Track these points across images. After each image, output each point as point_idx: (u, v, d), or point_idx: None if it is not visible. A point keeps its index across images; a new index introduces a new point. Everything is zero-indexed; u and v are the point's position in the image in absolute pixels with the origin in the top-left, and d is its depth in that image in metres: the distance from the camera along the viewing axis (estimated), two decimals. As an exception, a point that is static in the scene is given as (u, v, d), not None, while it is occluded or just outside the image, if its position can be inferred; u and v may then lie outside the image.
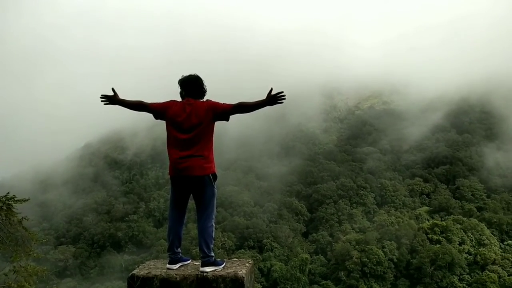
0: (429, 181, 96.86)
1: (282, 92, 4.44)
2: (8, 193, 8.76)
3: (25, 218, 9.23)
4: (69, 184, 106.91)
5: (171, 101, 4.71)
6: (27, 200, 9.57)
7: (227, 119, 4.62)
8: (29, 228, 9.60)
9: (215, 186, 4.67)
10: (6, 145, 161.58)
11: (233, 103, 4.58)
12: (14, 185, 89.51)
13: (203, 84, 4.76)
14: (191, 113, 4.50)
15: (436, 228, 72.62)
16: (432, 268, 65.20)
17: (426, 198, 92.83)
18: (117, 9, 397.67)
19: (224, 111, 4.54)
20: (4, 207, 8.25)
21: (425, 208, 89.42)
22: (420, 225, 76.89)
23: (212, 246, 4.56)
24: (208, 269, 4.36)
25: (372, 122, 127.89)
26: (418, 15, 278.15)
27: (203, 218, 4.63)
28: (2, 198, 8.35)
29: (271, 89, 4.42)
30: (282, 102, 4.47)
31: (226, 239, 74.92)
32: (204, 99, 4.73)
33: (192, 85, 4.70)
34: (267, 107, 4.55)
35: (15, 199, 8.66)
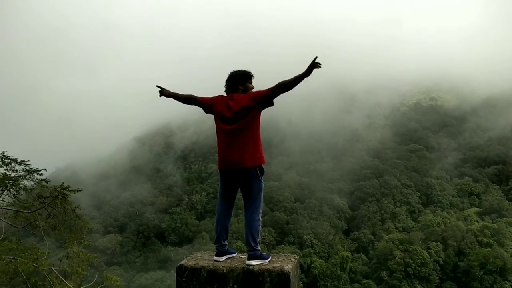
0: (479, 181, 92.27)
1: (316, 57, 4.32)
2: (63, 183, 9.23)
3: (78, 207, 9.70)
4: (118, 176, 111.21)
5: (219, 96, 4.81)
6: (80, 190, 10.03)
7: (271, 104, 4.60)
8: (81, 216, 10.09)
9: (262, 180, 4.67)
10: (66, 136, 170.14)
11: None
12: (67, 175, 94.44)
13: (240, 81, 4.72)
14: (234, 106, 4.55)
15: (486, 231, 69.14)
16: (482, 272, 62.18)
17: (476, 199, 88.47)
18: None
19: (265, 96, 4.53)
20: (60, 196, 8.69)
21: (475, 209, 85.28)
22: (469, 226, 73.46)
23: (258, 239, 4.58)
24: (254, 262, 4.38)
25: (418, 119, 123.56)
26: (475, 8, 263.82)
27: (250, 212, 4.65)
28: (57, 188, 8.80)
29: (315, 58, 4.33)
30: (319, 67, 4.32)
31: (266, 234, 75.29)
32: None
33: (229, 82, 4.74)
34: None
35: (69, 189, 9.10)
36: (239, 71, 4.79)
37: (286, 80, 4.44)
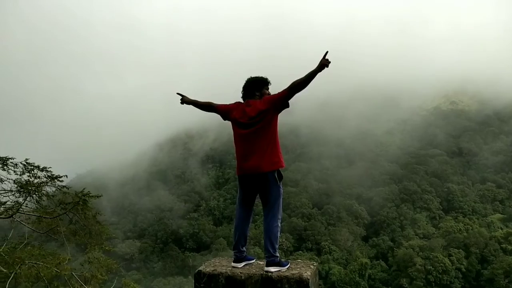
0: (503, 187, 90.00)
1: (327, 52, 4.29)
2: (84, 189, 9.37)
3: (98, 213, 9.83)
4: (137, 181, 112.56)
5: (236, 102, 4.84)
6: (100, 196, 10.17)
7: (287, 105, 4.57)
8: (101, 222, 10.22)
9: (280, 185, 4.65)
10: (88, 141, 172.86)
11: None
12: (88, 181, 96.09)
13: (256, 87, 4.72)
14: (250, 111, 4.56)
15: (511, 238, 67.28)
16: (507, 281, 60.38)
17: (500, 205, 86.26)
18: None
19: (280, 98, 4.50)
20: (81, 202, 8.83)
21: (498, 215, 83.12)
22: (493, 233, 71.60)
23: (277, 246, 4.53)
24: (272, 269, 4.34)
25: (438, 124, 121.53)
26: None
27: (269, 217, 4.61)
28: (78, 194, 8.95)
29: (326, 52, 4.30)
30: (328, 66, 4.27)
31: (284, 240, 74.90)
32: None
33: (246, 88, 4.76)
34: None
35: (90, 195, 9.24)
36: (256, 77, 4.80)
37: (299, 79, 4.40)
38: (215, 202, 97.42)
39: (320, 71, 4.30)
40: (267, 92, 4.77)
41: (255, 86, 4.74)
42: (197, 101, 5.01)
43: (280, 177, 4.62)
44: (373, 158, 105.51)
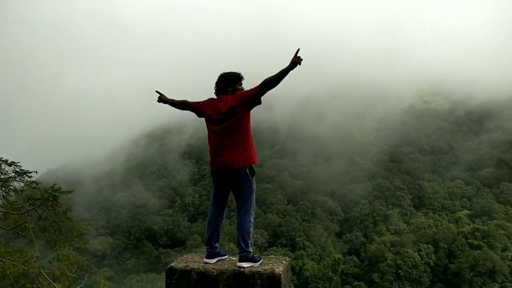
0: (471, 184, 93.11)
1: (298, 49, 4.35)
2: (54, 184, 9.14)
3: (69, 209, 9.61)
4: (110, 177, 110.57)
5: (209, 99, 4.82)
6: (71, 192, 9.94)
7: (259, 102, 4.57)
8: (71, 219, 9.99)
9: (253, 180, 4.63)
10: (62, 136, 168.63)
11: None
12: (59, 177, 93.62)
13: (229, 82, 4.70)
14: (222, 107, 4.56)
15: (477, 233, 69.67)
16: (472, 274, 62.63)
17: (467, 202, 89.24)
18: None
19: (252, 95, 4.50)
20: (51, 198, 8.61)
21: (466, 212, 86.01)
22: (460, 229, 74.00)
23: (250, 241, 4.53)
24: (245, 264, 4.36)
25: (411, 122, 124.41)
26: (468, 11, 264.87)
27: (241, 213, 4.62)
28: (48, 189, 8.72)
29: (298, 50, 4.34)
30: (300, 64, 4.32)
31: (259, 236, 75.24)
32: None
33: (218, 83, 4.75)
34: None
35: (60, 190, 9.01)
36: (228, 72, 4.78)
37: (271, 76, 4.41)
38: (190, 198, 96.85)
39: (292, 68, 4.33)
40: (240, 87, 4.75)
41: (228, 81, 4.71)
42: (173, 100, 5.02)
43: (252, 172, 4.61)
44: (348, 156, 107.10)
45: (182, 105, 4.98)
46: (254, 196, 4.66)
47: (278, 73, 4.36)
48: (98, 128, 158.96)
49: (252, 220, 4.64)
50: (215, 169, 4.67)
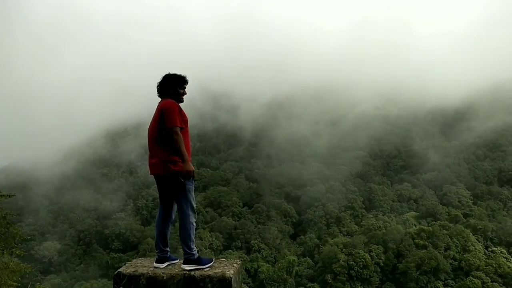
0: (417, 187, 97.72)
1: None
2: (-8, 187, 8.58)
3: (9, 214, 9.07)
4: (58, 180, 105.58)
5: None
6: (13, 195, 9.39)
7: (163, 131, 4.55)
8: (13, 224, 9.44)
9: (187, 183, 4.54)
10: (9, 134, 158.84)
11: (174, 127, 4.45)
12: (0, 179, 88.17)
13: (166, 85, 4.69)
14: (155, 112, 4.62)
15: (422, 233, 73.19)
16: (418, 273, 65.67)
17: (414, 204, 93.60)
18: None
19: (163, 124, 4.47)
20: (-12, 201, 8.08)
21: (413, 213, 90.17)
22: (407, 230, 77.48)
23: (191, 243, 4.49)
24: (188, 267, 4.33)
25: (363, 127, 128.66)
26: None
27: (180, 216, 4.61)
28: (-14, 192, 8.19)
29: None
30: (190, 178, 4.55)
31: (213, 239, 74.71)
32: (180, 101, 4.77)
33: (161, 84, 4.74)
34: None
35: (0, 194, 8.50)
36: (173, 74, 4.76)
37: (178, 145, 4.39)
38: (144, 201, 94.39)
39: (184, 169, 4.43)
40: (182, 91, 4.74)
41: (170, 83, 4.70)
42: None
43: (184, 175, 4.50)
44: (302, 159, 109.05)
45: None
46: (189, 198, 4.57)
47: (180, 150, 4.40)
48: (49, 127, 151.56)
49: (193, 221, 4.58)
50: (151, 174, 4.77)
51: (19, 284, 9.65)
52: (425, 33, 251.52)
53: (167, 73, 4.77)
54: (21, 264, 9.70)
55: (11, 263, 9.07)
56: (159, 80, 4.74)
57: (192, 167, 4.47)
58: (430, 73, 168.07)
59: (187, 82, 4.78)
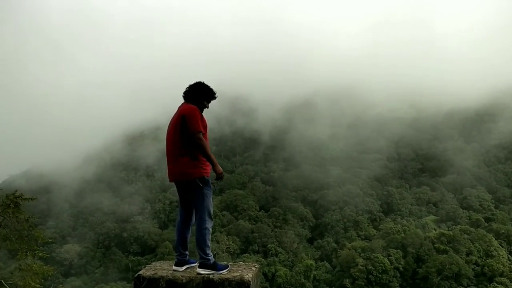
0: (436, 190, 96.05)
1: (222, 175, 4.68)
2: (16, 191, 8.81)
3: (32, 217, 9.27)
4: (78, 184, 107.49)
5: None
6: (35, 198, 9.59)
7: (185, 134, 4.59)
8: (35, 227, 9.64)
9: (205, 189, 4.60)
10: (29, 140, 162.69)
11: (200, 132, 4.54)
12: (21, 183, 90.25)
13: (195, 92, 4.73)
14: (175, 116, 4.68)
15: (443, 238, 71.89)
16: (439, 278, 64.47)
17: (433, 207, 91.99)
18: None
19: (185, 130, 4.52)
20: (12, 205, 8.30)
21: (432, 217, 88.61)
22: (427, 234, 76.14)
23: (206, 249, 4.53)
24: (202, 271, 4.38)
25: (380, 130, 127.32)
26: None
27: (196, 221, 4.67)
28: (10, 196, 8.41)
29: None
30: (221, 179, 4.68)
31: (230, 242, 74.81)
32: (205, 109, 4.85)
33: (188, 89, 4.79)
34: None
35: (23, 197, 8.70)
36: (207, 85, 4.81)
37: (204, 149, 4.47)
38: (161, 205, 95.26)
39: (214, 170, 4.57)
40: (206, 104, 4.80)
41: (198, 93, 4.75)
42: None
43: (203, 180, 4.59)
44: (318, 162, 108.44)
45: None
46: (207, 203, 4.61)
47: (208, 154, 4.50)
48: (68, 132, 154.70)
49: (208, 226, 4.62)
50: (170, 180, 4.87)
51: (42, 286, 9.84)
52: (444, 31, 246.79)
53: (201, 81, 4.83)
54: (44, 266, 9.91)
55: (34, 265, 9.28)
56: (191, 83, 4.79)
57: (221, 169, 4.57)
58: (450, 73, 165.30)
59: (215, 99, 4.86)
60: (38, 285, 9.33)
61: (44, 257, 10.04)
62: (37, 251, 9.35)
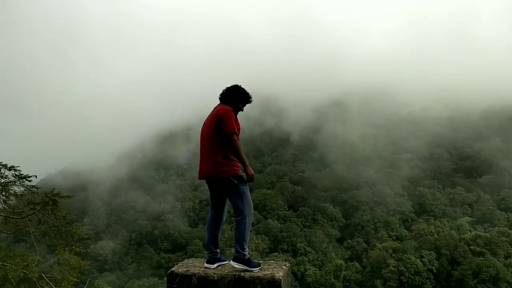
0: (471, 191, 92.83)
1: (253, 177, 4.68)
2: (53, 189, 9.15)
3: (68, 214, 9.62)
4: (110, 182, 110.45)
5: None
6: (71, 196, 9.94)
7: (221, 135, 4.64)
8: (72, 223, 10.00)
9: (241, 185, 4.65)
10: (63, 140, 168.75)
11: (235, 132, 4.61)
12: (59, 181, 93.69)
13: (231, 95, 4.81)
14: (210, 116, 4.77)
15: (479, 240, 69.32)
16: (475, 281, 62.24)
17: (468, 208, 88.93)
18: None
19: (221, 131, 4.59)
20: (50, 202, 8.62)
21: (467, 218, 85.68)
22: (462, 236, 73.68)
23: (244, 244, 4.59)
24: (236, 265, 4.44)
25: (410, 129, 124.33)
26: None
27: (236, 217, 4.71)
28: (48, 194, 8.74)
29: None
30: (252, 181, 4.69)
31: (260, 241, 74.94)
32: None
33: (225, 91, 4.87)
34: None
35: (60, 195, 9.03)
36: (244, 90, 4.89)
37: (239, 149, 4.56)
38: (191, 204, 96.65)
39: (245, 171, 4.62)
40: (241, 107, 4.89)
41: (236, 96, 4.83)
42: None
43: (238, 178, 4.64)
44: (348, 162, 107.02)
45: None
46: (245, 199, 4.66)
47: (241, 155, 4.58)
48: (102, 132, 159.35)
49: (246, 221, 4.64)
50: (202, 178, 4.89)
51: (79, 280, 10.21)
52: (481, 27, 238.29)
53: (238, 84, 4.91)
54: (81, 261, 10.28)
55: (71, 260, 9.64)
56: (228, 86, 4.88)
57: (252, 171, 4.62)
58: (487, 71, 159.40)
59: (250, 103, 4.95)
60: (75, 279, 9.69)
61: (81, 252, 10.42)
62: (74, 247, 9.71)
